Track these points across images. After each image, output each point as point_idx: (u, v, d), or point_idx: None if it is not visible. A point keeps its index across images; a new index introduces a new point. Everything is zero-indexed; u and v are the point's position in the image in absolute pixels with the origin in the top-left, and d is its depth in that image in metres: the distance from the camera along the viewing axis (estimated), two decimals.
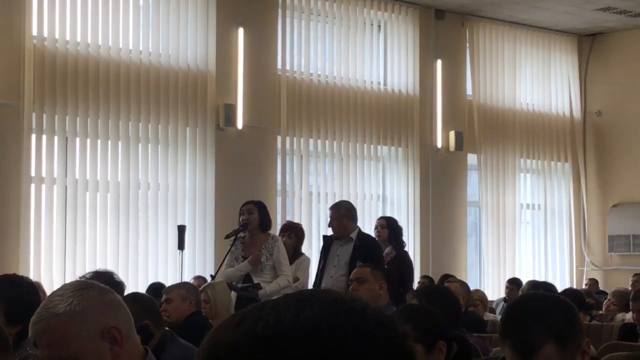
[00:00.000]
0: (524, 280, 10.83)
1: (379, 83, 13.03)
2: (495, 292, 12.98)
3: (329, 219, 8.44)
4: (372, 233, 9.26)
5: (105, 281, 3.66)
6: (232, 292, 7.63)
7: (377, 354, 1.21)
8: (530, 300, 3.15)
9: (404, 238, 9.57)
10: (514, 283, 11.30)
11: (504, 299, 11.54)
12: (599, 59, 15.09)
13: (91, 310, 2.63)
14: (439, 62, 13.51)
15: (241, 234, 7.98)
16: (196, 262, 10.94)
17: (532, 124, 14.54)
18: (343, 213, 8.33)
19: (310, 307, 1.21)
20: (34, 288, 4.27)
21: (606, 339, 7.24)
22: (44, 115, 10.03)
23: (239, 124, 11.51)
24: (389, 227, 9.26)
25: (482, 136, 13.85)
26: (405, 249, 9.49)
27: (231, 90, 11.50)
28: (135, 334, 2.74)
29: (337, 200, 9.85)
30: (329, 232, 8.52)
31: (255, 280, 7.75)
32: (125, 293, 5.09)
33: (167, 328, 5.59)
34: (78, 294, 2.65)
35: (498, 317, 9.11)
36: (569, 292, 7.79)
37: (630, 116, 14.69)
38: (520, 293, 11.48)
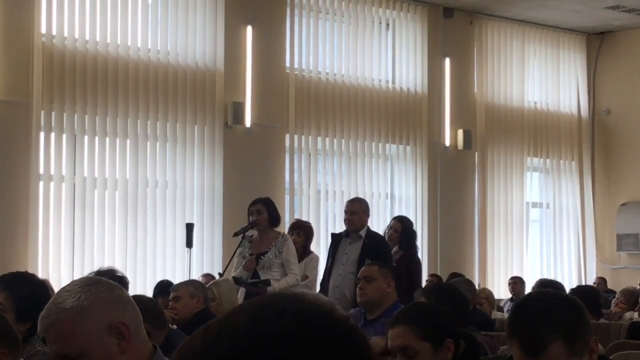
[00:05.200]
0: (532, 280, 10.81)
1: (387, 81, 13.02)
2: (502, 290, 12.95)
3: (348, 213, 8.31)
4: (380, 231, 9.21)
5: (107, 278, 3.67)
6: (241, 288, 7.63)
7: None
8: (538, 299, 3.15)
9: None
10: (517, 278, 11.92)
11: (511, 298, 11.55)
12: (608, 57, 15.05)
13: (99, 305, 2.65)
14: (447, 60, 13.49)
15: (249, 233, 7.96)
16: (204, 260, 10.94)
17: (540, 122, 14.52)
18: (364, 209, 8.34)
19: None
20: (45, 286, 4.30)
21: (614, 338, 7.22)
22: (53, 113, 10.05)
23: (247, 122, 11.51)
24: (403, 231, 9.06)
25: (490, 134, 13.83)
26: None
27: (239, 88, 11.50)
28: (143, 331, 2.75)
29: (345, 199, 9.83)
30: (337, 230, 8.49)
31: (263, 277, 7.74)
32: (132, 290, 5.10)
33: (175, 327, 5.60)
34: (86, 289, 2.66)
35: (506, 315, 9.09)
36: (582, 289, 7.72)
37: (639, 115, 14.65)
38: (524, 289, 11.56)
